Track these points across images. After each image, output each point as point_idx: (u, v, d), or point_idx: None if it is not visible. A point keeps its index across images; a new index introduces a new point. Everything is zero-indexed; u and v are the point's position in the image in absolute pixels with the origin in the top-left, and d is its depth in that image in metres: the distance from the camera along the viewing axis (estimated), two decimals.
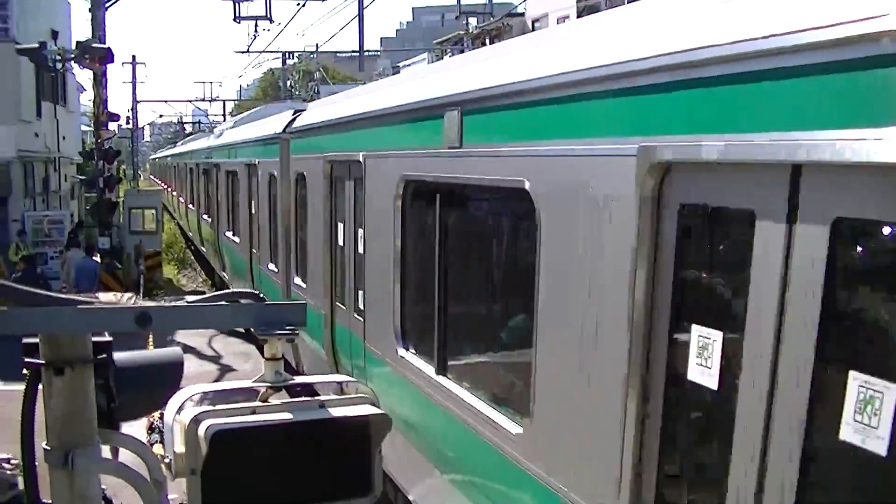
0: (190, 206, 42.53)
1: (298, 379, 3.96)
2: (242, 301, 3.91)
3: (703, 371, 5.08)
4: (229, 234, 27.75)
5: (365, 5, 44.68)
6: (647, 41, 5.69)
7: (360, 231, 11.98)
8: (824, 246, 4.21)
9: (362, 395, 4.00)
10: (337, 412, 3.83)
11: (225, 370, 22.61)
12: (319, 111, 15.44)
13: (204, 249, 37.98)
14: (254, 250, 22.33)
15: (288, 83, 73.13)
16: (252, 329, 3.52)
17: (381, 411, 3.87)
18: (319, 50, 63.27)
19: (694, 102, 5.19)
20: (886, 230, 4.06)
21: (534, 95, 6.96)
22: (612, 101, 6.01)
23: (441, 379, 9.21)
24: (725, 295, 5.16)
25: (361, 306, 12.00)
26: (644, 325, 5.55)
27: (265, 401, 3.82)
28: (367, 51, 50.31)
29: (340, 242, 13.20)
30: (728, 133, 4.79)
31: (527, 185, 6.88)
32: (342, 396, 3.99)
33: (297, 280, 16.78)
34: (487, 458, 7.93)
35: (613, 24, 6.68)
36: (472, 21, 44.77)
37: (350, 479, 3.87)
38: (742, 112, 4.76)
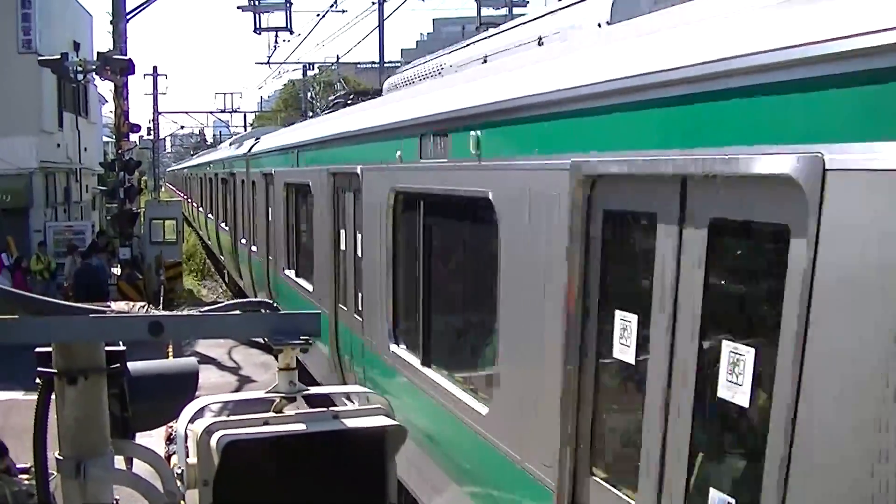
0: (223, 225, 34.56)
1: (313, 389, 3.93)
2: (257, 310, 3.88)
3: None
4: (289, 273, 19.39)
5: (385, 17, 44.82)
6: None
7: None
8: None
9: (377, 405, 3.97)
10: (351, 423, 3.81)
11: (244, 381, 22.62)
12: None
13: (255, 291, 26.25)
14: (342, 309, 14.08)
15: (308, 94, 73.23)
16: (266, 339, 3.49)
17: (396, 422, 3.84)
18: (340, 61, 63.46)
19: None
20: None
21: None
22: None
23: None
24: None
25: None
26: None
27: (279, 411, 3.80)
28: (388, 62, 50.37)
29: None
30: None
31: None
32: (357, 407, 3.97)
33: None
34: None
35: None
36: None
37: (364, 490, 3.85)
38: None
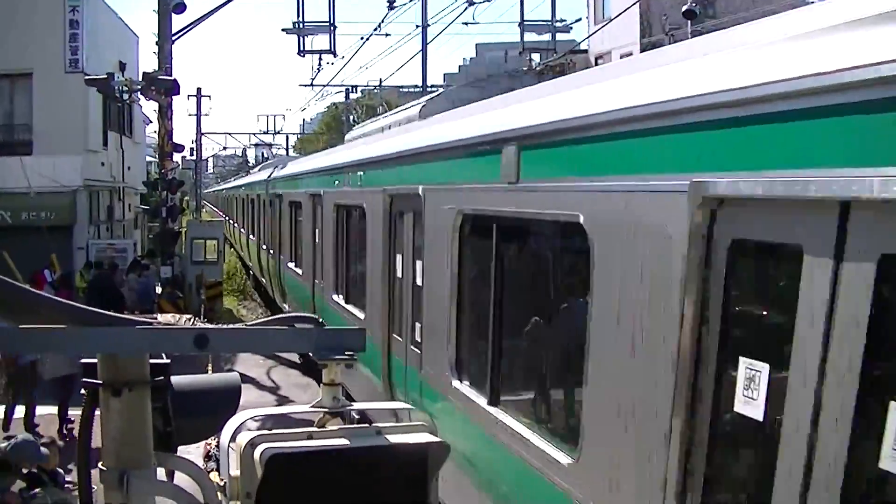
0: (265, 247, 33.19)
1: (356, 405, 3.92)
2: (301, 325, 3.88)
3: None
4: (338, 298, 17.45)
5: (428, 41, 45.00)
6: None
7: None
8: None
9: (420, 422, 3.95)
10: (394, 439, 3.80)
11: (283, 401, 22.60)
12: None
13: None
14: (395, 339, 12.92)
15: (351, 117, 73.47)
16: (311, 353, 3.48)
17: (439, 439, 3.82)
18: (383, 84, 63.67)
19: None
20: None
21: None
22: None
23: None
24: None
25: None
26: None
27: (322, 426, 3.79)
28: (431, 86, 50.47)
29: None
30: None
31: None
32: (400, 424, 3.95)
33: None
34: None
35: None
36: (535, 57, 44.76)
37: None
38: None
